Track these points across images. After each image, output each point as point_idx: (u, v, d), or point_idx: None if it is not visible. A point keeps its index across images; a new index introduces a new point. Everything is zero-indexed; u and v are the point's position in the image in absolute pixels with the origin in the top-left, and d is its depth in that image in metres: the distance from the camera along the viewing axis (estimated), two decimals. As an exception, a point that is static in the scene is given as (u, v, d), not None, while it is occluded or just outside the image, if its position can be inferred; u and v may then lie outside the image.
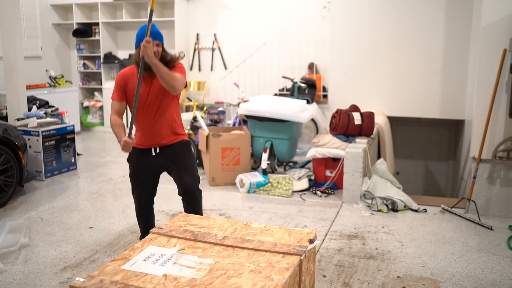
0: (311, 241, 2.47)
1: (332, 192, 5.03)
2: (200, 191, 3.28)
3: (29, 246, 3.63)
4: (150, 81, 3.14)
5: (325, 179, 5.24)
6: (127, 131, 3.09)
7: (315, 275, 2.77)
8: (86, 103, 9.10)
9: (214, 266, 2.14)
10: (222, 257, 2.25)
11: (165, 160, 3.27)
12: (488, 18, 4.24)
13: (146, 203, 3.45)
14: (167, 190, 5.16)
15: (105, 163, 6.46)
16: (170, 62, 3.14)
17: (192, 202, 3.24)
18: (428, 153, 7.32)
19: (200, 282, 1.98)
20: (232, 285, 1.96)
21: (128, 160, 3.41)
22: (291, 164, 5.94)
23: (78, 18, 8.84)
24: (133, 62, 3.20)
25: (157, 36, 3.08)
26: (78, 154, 6.39)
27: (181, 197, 3.30)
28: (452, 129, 6.94)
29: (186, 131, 5.91)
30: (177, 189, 3.29)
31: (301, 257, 2.26)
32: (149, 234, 2.49)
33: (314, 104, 6.35)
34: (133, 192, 3.44)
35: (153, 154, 3.26)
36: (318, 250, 3.50)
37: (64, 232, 3.92)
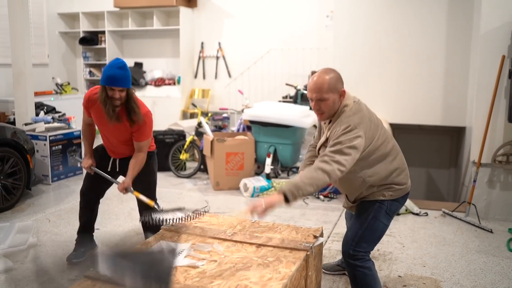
0: (317, 238, 2.55)
1: (335, 197, 5.11)
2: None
3: (37, 246, 3.71)
4: (116, 123, 3.12)
5: (328, 184, 5.31)
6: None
7: (321, 272, 2.85)
8: (91, 110, 9.20)
9: (223, 260, 2.22)
10: (231, 251, 2.33)
11: (123, 169, 3.33)
12: (487, 25, 4.34)
13: (89, 199, 3.48)
14: (171, 193, 5.25)
15: (110, 168, 6.54)
16: (134, 114, 3.05)
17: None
18: (430, 161, 7.38)
19: (210, 274, 2.07)
20: (240, 277, 2.04)
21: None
22: (294, 169, 6.02)
23: (84, 26, 8.99)
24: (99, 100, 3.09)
25: (123, 82, 2.95)
26: (84, 159, 6.46)
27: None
28: (454, 136, 7.01)
29: (191, 137, 6.04)
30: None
31: (308, 253, 2.34)
32: (161, 230, 2.57)
33: (317, 110, 6.44)
34: (82, 184, 3.50)
35: (112, 162, 3.34)
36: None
37: (72, 233, 3.99)
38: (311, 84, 2.42)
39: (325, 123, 2.57)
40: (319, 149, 2.60)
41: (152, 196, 3.34)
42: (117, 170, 3.35)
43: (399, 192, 2.51)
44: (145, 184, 3.33)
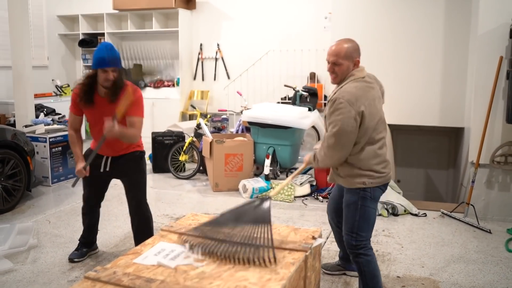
0: (316, 239, 2.56)
1: (334, 198, 5.12)
2: (146, 206, 3.39)
3: (37, 247, 3.72)
4: (107, 105, 3.14)
5: (327, 185, 5.33)
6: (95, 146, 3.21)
7: (320, 273, 2.86)
8: (90, 112, 9.22)
9: (222, 261, 2.23)
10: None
11: (115, 169, 3.35)
12: (484, 26, 4.37)
13: (92, 204, 3.54)
14: (171, 195, 5.26)
15: (110, 169, 6.55)
16: (120, 89, 3.12)
17: (139, 217, 3.36)
18: (428, 161, 7.40)
19: (209, 275, 2.07)
20: (239, 278, 2.05)
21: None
22: (293, 170, 6.03)
23: (84, 28, 9.01)
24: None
25: (114, 62, 3.05)
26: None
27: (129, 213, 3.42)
28: (452, 137, 7.03)
29: (190, 138, 6.06)
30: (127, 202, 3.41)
31: (307, 253, 2.35)
32: (160, 231, 2.58)
33: (316, 111, 6.47)
34: (83, 191, 3.52)
35: (104, 161, 3.33)
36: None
37: (71, 235, 4.01)
38: (330, 48, 2.70)
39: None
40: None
41: (143, 196, 3.38)
42: (108, 169, 3.33)
43: (379, 180, 2.66)
44: (137, 185, 3.36)
